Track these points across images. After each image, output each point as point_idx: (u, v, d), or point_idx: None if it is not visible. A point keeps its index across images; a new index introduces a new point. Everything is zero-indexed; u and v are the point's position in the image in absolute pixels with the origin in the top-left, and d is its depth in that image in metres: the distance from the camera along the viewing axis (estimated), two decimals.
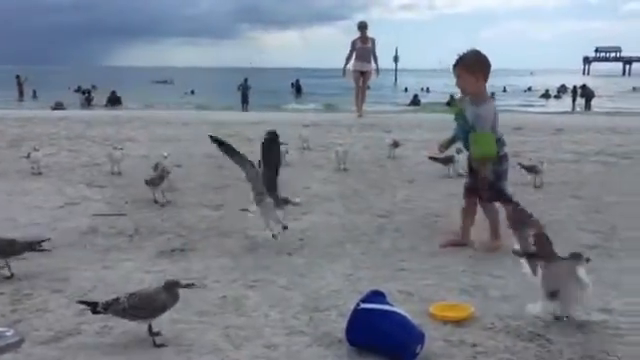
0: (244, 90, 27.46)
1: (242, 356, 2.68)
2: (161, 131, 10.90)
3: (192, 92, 42.40)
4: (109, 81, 43.58)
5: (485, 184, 4.25)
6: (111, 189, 6.16)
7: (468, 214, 4.47)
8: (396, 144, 8.17)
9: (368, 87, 14.16)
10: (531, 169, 6.30)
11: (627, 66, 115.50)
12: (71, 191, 6.05)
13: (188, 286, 2.89)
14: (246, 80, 27.83)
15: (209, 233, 4.67)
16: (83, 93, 32.85)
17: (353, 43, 13.36)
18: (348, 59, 13.42)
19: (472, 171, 4.41)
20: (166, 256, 4.10)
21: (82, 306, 2.86)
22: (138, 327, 2.85)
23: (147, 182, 5.53)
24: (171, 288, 2.81)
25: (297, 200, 4.51)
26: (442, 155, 5.97)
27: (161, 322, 2.90)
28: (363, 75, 13.54)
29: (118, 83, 40.81)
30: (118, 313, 2.77)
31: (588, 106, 30.03)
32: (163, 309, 2.80)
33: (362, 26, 13.41)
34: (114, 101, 29.67)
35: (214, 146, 4.36)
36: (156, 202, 5.45)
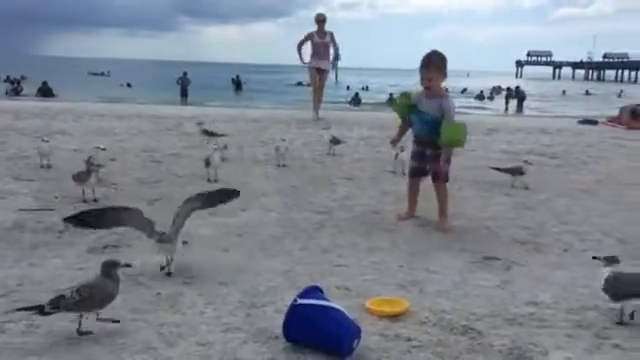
0: (183, 84, 26.97)
1: (175, 354, 2.62)
2: (95, 124, 10.55)
3: (129, 85, 41.20)
4: (41, 71, 41.69)
5: (443, 166, 4.75)
6: (40, 183, 5.89)
7: (413, 193, 5.05)
8: (336, 141, 8.20)
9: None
10: (514, 171, 6.38)
11: (557, 70, 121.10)
12: None
13: (127, 265, 2.95)
14: (185, 74, 27.35)
15: None
16: (12, 83, 31.31)
17: (310, 36, 12.20)
18: (300, 45, 12.23)
19: (420, 155, 4.88)
20: (98, 253, 3.95)
21: (26, 312, 2.72)
22: (66, 326, 2.77)
23: (74, 177, 5.28)
24: (111, 272, 2.83)
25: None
26: (396, 151, 6.34)
27: (92, 320, 2.81)
28: (320, 73, 12.44)
29: (51, 74, 39.10)
30: (69, 308, 2.71)
31: (520, 107, 31.19)
32: (112, 297, 2.80)
33: (320, 19, 12.18)
34: (45, 92, 28.39)
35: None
36: (85, 201, 5.20)
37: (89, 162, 5.36)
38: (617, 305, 3.04)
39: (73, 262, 3.75)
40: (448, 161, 4.80)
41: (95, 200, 5.24)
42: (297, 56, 12.36)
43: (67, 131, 9.42)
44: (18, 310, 2.74)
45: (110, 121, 10.95)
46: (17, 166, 6.67)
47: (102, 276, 2.83)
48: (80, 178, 5.24)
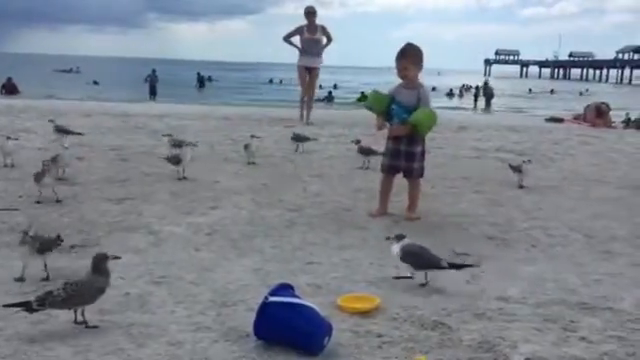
0: (152, 82, 26.63)
1: (145, 355, 2.58)
2: (60, 122, 10.29)
3: (95, 82, 40.39)
4: (5, 69, 40.65)
5: (418, 162, 4.93)
6: (3, 182, 5.74)
7: (386, 190, 5.07)
8: (299, 138, 8.07)
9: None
10: (516, 168, 6.40)
11: (524, 69, 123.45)
12: None
13: (116, 257, 2.99)
14: (154, 71, 27.01)
15: (112, 228, 4.46)
16: None
17: (299, 30, 11.21)
18: (288, 37, 11.35)
19: (396, 152, 4.93)
20: (64, 253, 3.85)
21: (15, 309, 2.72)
22: (31, 328, 2.73)
23: (34, 177, 5.12)
24: (101, 266, 2.84)
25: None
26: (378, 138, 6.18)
27: (58, 321, 2.74)
28: (310, 72, 11.42)
29: (15, 71, 38.15)
30: (56, 305, 2.71)
31: (488, 105, 31.64)
32: (101, 291, 2.82)
33: (309, 12, 11.03)
34: (10, 89, 27.63)
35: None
36: (38, 202, 5.04)
37: (44, 162, 5.20)
38: (415, 272, 3.48)
39: (38, 263, 3.65)
40: (422, 156, 4.96)
41: (58, 201, 5.08)
42: (288, 47, 11.48)
43: (32, 129, 9.20)
44: (4, 306, 2.74)
45: (76, 119, 10.72)
46: None
47: (91, 271, 2.84)
48: (36, 178, 5.08)
